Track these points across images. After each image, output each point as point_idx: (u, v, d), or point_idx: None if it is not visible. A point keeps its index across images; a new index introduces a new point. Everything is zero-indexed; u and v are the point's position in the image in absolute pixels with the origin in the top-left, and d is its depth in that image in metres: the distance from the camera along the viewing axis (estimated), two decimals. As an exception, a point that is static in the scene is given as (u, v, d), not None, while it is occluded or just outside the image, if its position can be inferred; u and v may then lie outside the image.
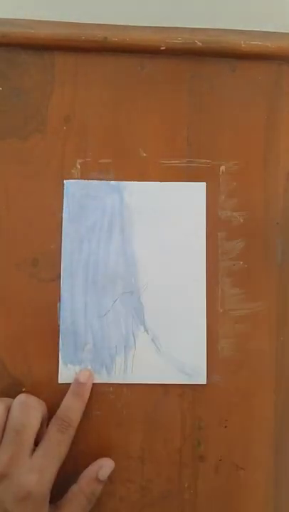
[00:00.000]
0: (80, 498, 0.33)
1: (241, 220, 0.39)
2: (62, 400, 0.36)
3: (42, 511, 0.32)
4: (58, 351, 0.37)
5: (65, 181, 0.39)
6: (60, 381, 0.37)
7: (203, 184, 0.39)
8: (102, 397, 0.37)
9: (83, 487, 0.34)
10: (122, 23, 0.39)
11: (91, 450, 0.37)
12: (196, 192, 0.39)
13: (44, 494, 0.31)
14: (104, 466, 0.34)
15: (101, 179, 0.39)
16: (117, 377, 0.37)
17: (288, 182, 0.39)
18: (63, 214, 0.38)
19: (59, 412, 0.35)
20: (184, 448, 0.37)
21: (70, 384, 0.36)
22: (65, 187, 0.39)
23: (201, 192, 0.39)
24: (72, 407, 0.35)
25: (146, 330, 0.37)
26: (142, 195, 0.39)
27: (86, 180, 0.39)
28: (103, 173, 0.39)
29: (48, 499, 0.32)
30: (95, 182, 0.39)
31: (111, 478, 0.36)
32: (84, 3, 0.43)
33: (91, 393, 0.37)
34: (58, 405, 0.36)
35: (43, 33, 0.38)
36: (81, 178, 0.39)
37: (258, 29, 0.39)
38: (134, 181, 0.39)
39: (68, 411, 0.35)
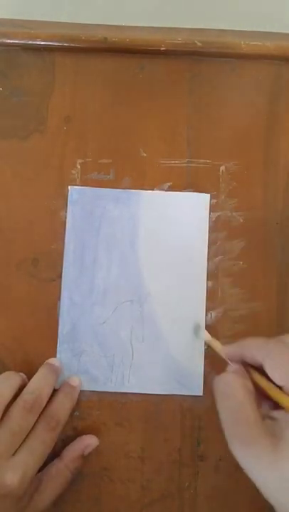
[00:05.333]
0: (66, 474, 0.34)
1: (241, 220, 0.39)
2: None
3: (20, 503, 0.32)
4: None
5: (69, 187, 0.38)
6: (55, 386, 0.37)
7: (208, 196, 0.39)
8: (102, 397, 0.37)
9: (69, 464, 0.35)
10: (122, 23, 0.39)
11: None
12: (200, 203, 0.39)
13: (24, 491, 0.31)
14: (90, 445, 0.36)
15: (101, 179, 0.39)
16: (113, 387, 0.37)
17: (288, 182, 0.39)
18: (67, 220, 0.38)
19: (48, 410, 0.34)
20: (183, 448, 0.37)
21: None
22: (69, 193, 0.38)
23: (205, 203, 0.39)
24: (61, 408, 0.35)
25: (144, 340, 0.37)
26: (147, 205, 0.38)
27: (91, 188, 0.39)
28: (103, 173, 0.39)
29: (27, 492, 0.32)
30: (101, 189, 0.38)
31: (111, 477, 0.36)
32: (84, 3, 0.43)
33: (91, 394, 0.37)
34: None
35: (43, 33, 0.38)
36: (81, 179, 0.39)
37: (258, 29, 0.39)
38: (138, 190, 0.39)
39: (57, 410, 0.34)
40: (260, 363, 0.29)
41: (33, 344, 0.37)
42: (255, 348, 0.30)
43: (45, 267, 0.38)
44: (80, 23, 0.39)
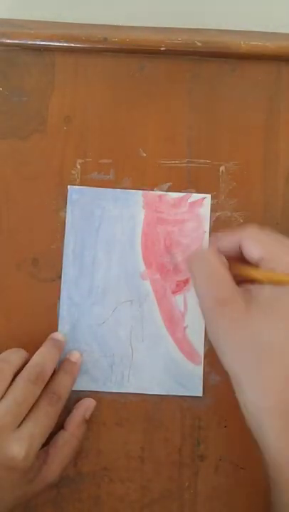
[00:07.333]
0: (73, 442, 0.35)
1: (241, 220, 0.39)
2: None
3: (28, 476, 0.32)
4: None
5: (69, 187, 0.38)
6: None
7: (208, 196, 0.39)
8: (102, 397, 0.37)
9: (74, 431, 0.35)
10: (122, 23, 0.39)
11: (91, 450, 0.37)
12: (199, 203, 0.39)
13: (31, 463, 0.32)
14: (89, 407, 0.36)
15: (101, 179, 0.39)
16: (113, 387, 0.37)
17: (288, 182, 0.39)
18: (67, 220, 0.38)
19: (50, 386, 0.34)
20: (183, 448, 0.37)
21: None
22: (69, 193, 0.38)
23: (206, 204, 0.39)
24: (62, 383, 0.35)
25: (144, 340, 0.37)
26: (147, 205, 0.38)
27: (91, 187, 0.39)
28: (103, 173, 0.39)
29: (34, 465, 0.32)
30: (100, 189, 0.38)
31: (111, 477, 0.36)
32: (84, 3, 0.43)
33: (91, 394, 0.37)
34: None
35: (43, 33, 0.38)
36: (81, 179, 0.39)
37: (258, 29, 0.39)
38: (138, 190, 0.39)
39: (59, 386, 0.35)
40: (238, 243, 0.31)
41: (33, 344, 0.37)
42: (233, 232, 0.32)
43: (45, 267, 0.38)
44: (80, 23, 0.39)
